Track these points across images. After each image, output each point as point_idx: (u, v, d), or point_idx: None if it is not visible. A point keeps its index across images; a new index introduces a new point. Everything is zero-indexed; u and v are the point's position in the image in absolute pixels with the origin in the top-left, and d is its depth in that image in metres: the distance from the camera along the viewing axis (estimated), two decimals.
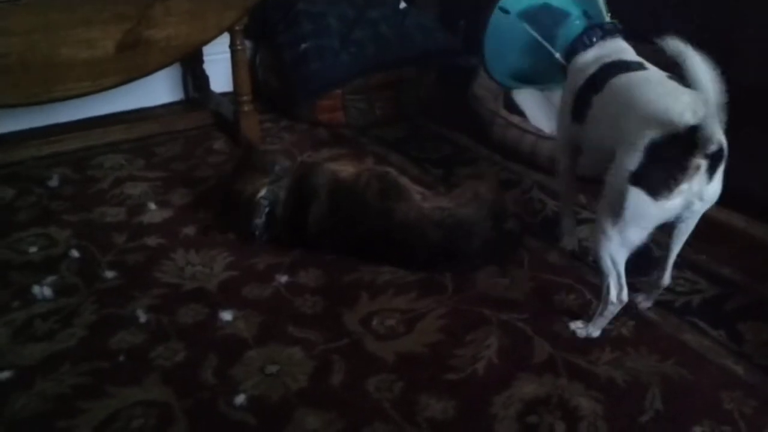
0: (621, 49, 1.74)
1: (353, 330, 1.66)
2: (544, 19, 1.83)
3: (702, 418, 1.40)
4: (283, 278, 1.85)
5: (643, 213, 1.46)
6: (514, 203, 2.18)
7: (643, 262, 1.89)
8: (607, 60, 1.69)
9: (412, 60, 2.91)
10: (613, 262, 1.55)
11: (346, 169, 1.99)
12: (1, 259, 1.94)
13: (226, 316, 1.70)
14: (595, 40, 1.75)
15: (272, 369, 1.54)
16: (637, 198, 1.43)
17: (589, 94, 1.67)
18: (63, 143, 2.63)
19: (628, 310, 1.70)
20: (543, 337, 1.63)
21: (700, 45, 1.28)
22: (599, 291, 1.62)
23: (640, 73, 1.61)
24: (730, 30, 2.26)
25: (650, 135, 1.41)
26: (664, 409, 1.42)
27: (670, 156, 1.40)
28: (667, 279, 1.69)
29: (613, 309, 1.60)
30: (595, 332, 1.63)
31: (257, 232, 1.97)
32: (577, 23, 1.81)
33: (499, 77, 2.01)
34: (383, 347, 1.61)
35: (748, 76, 1.50)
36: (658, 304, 1.73)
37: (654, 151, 1.40)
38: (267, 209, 1.95)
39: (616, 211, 1.48)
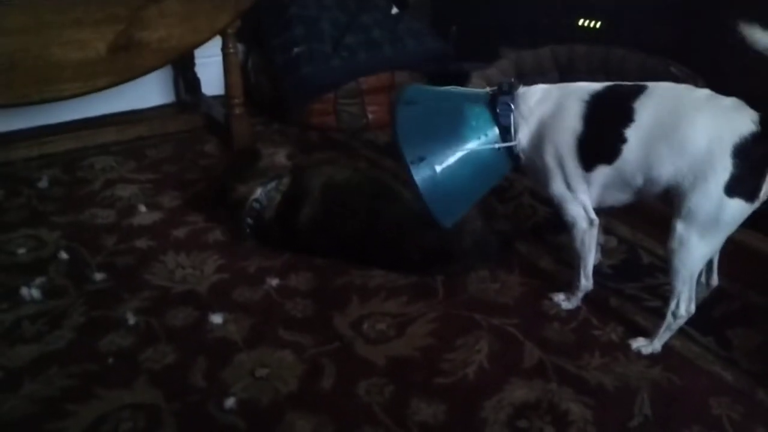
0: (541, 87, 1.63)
1: (344, 333, 1.66)
2: (445, 133, 1.61)
3: (691, 423, 1.40)
4: (274, 281, 1.85)
5: (738, 220, 1.44)
6: (505, 208, 2.19)
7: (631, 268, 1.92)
8: (581, 95, 1.56)
9: (404, 65, 2.92)
10: (691, 275, 1.51)
11: (341, 172, 2.01)
12: None
13: (217, 318, 1.70)
14: (513, 103, 1.59)
15: (262, 372, 1.54)
16: (735, 207, 1.40)
17: (616, 130, 1.50)
18: (53, 144, 2.63)
19: (618, 314, 1.72)
20: (533, 341, 1.63)
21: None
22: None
23: (658, 88, 1.51)
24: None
25: (731, 140, 1.37)
26: (653, 414, 1.42)
27: (755, 155, 1.38)
28: (715, 280, 1.69)
29: (681, 322, 1.57)
30: (660, 347, 1.59)
31: (247, 232, 1.97)
32: (475, 110, 1.61)
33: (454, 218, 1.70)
34: (374, 351, 1.61)
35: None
36: (647, 310, 1.74)
37: (741, 155, 1.37)
38: (257, 211, 1.95)
39: (708, 226, 1.43)
